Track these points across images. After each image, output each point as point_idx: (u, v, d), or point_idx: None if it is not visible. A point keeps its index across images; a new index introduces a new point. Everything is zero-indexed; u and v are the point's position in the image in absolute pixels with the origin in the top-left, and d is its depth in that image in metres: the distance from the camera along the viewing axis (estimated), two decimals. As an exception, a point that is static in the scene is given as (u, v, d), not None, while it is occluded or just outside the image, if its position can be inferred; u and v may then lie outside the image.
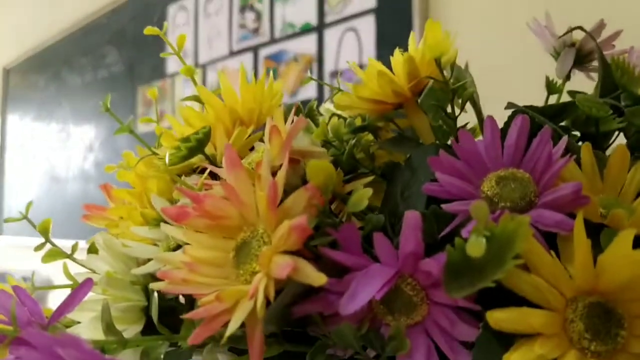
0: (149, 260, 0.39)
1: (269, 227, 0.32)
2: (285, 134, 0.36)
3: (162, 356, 0.31)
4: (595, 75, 0.53)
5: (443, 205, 0.32)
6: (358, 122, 0.51)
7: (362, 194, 0.33)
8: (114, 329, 0.30)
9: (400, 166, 0.40)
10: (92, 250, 0.45)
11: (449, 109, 0.44)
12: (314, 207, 0.33)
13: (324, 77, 1.93)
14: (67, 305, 0.33)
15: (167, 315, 0.40)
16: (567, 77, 0.49)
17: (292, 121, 0.39)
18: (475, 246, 0.28)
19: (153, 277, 0.40)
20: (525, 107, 0.39)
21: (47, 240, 0.45)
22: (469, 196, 0.33)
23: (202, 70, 2.57)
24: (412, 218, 0.32)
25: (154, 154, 0.48)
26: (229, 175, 0.33)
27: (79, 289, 0.33)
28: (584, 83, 0.52)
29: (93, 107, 2.92)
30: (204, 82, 2.62)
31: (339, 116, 0.54)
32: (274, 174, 0.35)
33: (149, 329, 0.39)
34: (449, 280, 0.30)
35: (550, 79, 0.47)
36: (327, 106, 0.58)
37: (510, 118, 0.39)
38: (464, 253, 0.29)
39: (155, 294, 0.31)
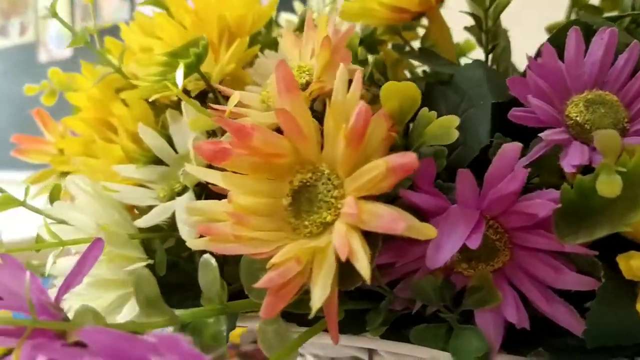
0: (149, 208, 0.32)
1: (342, 167, 0.25)
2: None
3: (224, 333, 0.24)
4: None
5: (543, 134, 0.27)
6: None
7: (448, 123, 0.27)
8: (160, 305, 0.23)
9: (438, 87, 0.35)
10: (54, 196, 0.35)
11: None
12: (391, 139, 0.27)
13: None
14: (76, 274, 0.25)
15: (169, 271, 0.32)
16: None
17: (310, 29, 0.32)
18: (610, 185, 0.23)
19: (154, 230, 0.32)
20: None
21: (-9, 184, 0.35)
22: (555, 123, 0.29)
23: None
24: (511, 151, 0.27)
25: (118, 72, 0.38)
26: (282, 102, 0.26)
27: (88, 253, 0.25)
28: None
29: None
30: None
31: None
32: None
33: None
34: (562, 225, 0.25)
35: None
36: (290, 17, 0.51)
37: (562, 31, 0.34)
38: (584, 192, 0.25)
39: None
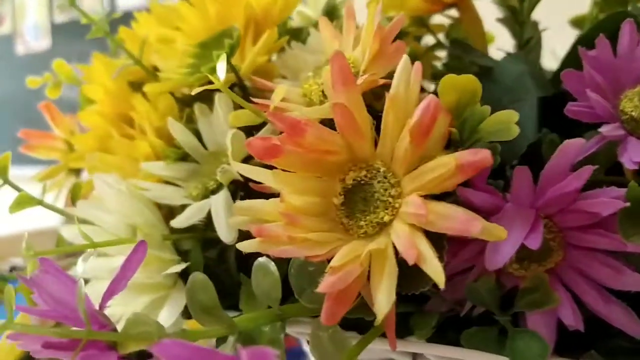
0: (182, 207, 0.30)
1: (401, 164, 0.24)
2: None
3: (282, 341, 0.23)
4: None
5: (603, 130, 0.26)
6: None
7: (507, 118, 0.26)
8: (217, 312, 0.21)
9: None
10: (76, 195, 0.34)
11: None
12: (447, 134, 0.26)
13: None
14: (120, 280, 0.23)
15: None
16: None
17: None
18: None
19: (185, 230, 0.30)
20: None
21: (6, 181, 0.33)
22: (610, 118, 0.28)
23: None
24: (572, 148, 0.26)
25: (138, 64, 0.36)
26: (338, 95, 0.24)
27: (132, 256, 0.24)
28: None
29: None
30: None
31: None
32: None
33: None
34: (627, 224, 0.25)
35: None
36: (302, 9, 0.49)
37: (604, 24, 0.33)
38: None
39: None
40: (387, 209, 0.24)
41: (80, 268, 0.28)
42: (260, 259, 0.23)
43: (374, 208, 0.25)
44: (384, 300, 0.22)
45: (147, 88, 0.34)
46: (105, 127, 0.38)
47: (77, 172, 0.44)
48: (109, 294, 0.23)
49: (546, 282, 0.27)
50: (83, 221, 0.32)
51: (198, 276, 0.21)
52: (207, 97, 0.35)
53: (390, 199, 0.24)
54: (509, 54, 0.34)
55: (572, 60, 0.36)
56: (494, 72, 0.33)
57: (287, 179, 0.25)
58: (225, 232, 0.28)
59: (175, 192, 0.31)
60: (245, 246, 0.24)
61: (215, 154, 0.32)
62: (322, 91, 0.28)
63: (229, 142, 0.28)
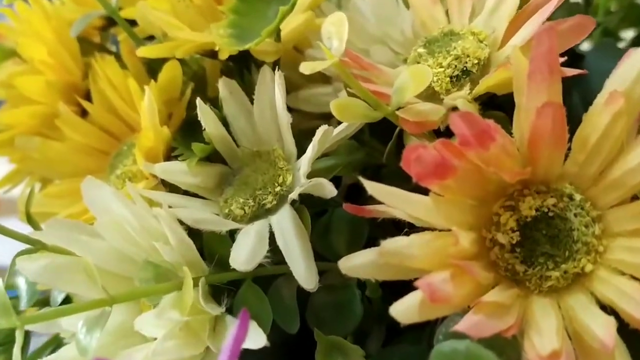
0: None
1: (624, 193, 0.17)
2: None
3: None
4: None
5: None
6: None
7: None
8: None
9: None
10: (29, 207, 0.22)
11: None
12: None
13: None
14: None
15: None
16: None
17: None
18: None
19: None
20: None
21: None
22: None
23: None
24: None
25: (114, 14, 0.25)
26: (537, 90, 0.16)
27: (240, 333, 0.15)
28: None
29: None
30: None
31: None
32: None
33: None
34: None
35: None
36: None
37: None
38: None
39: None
40: (589, 254, 0.17)
41: (86, 338, 0.17)
42: (460, 343, 0.15)
43: (572, 252, 0.17)
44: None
45: (145, 52, 0.23)
46: (50, 100, 0.26)
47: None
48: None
49: None
50: (44, 248, 0.21)
51: None
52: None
53: (594, 241, 0.17)
54: (598, 43, 0.29)
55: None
56: (586, 63, 0.27)
57: (449, 210, 0.17)
58: (304, 275, 0.19)
59: (204, 208, 0.21)
60: (403, 315, 0.16)
61: (261, 153, 0.22)
62: (451, 77, 0.20)
63: (318, 142, 0.19)
